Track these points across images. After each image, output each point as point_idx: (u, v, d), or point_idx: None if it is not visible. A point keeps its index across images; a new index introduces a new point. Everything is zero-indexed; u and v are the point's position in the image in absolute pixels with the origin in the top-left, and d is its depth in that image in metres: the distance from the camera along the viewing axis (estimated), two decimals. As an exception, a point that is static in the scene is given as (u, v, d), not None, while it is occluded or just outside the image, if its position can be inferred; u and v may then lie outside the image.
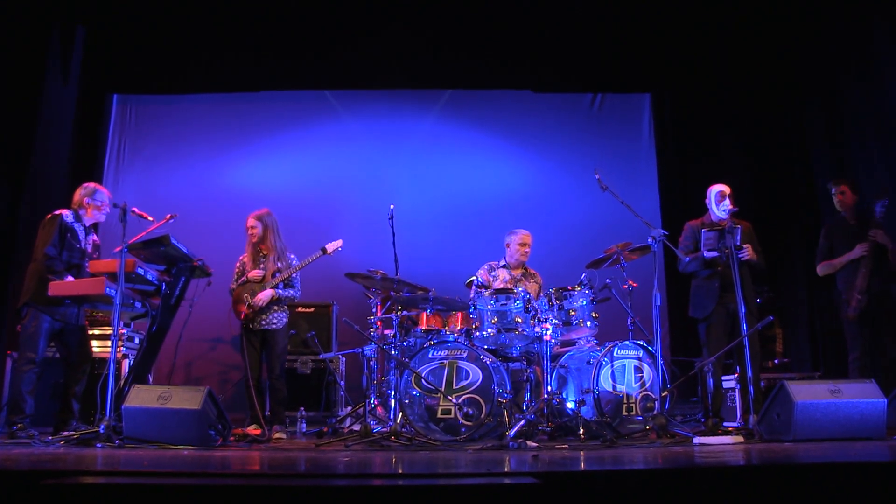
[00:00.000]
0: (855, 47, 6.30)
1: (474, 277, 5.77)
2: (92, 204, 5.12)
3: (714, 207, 5.27)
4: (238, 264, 5.68)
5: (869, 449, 3.39)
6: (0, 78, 6.43)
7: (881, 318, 5.18)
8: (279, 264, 5.57)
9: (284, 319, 5.60)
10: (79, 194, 5.16)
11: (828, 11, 6.56)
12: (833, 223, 5.56)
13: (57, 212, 5.02)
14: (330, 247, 5.76)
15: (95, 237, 5.30)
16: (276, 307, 5.52)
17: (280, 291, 5.51)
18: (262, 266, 5.57)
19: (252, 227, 5.63)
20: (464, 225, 7.63)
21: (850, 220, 5.41)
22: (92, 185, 5.25)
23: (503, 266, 5.82)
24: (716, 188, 5.30)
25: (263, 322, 5.47)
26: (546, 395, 4.73)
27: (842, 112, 6.59)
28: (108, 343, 5.34)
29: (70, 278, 4.86)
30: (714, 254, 5.01)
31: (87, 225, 5.18)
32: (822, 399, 3.99)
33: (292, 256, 5.69)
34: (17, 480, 2.47)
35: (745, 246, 4.95)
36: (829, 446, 3.63)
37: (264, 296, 5.44)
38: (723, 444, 4.10)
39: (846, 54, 6.44)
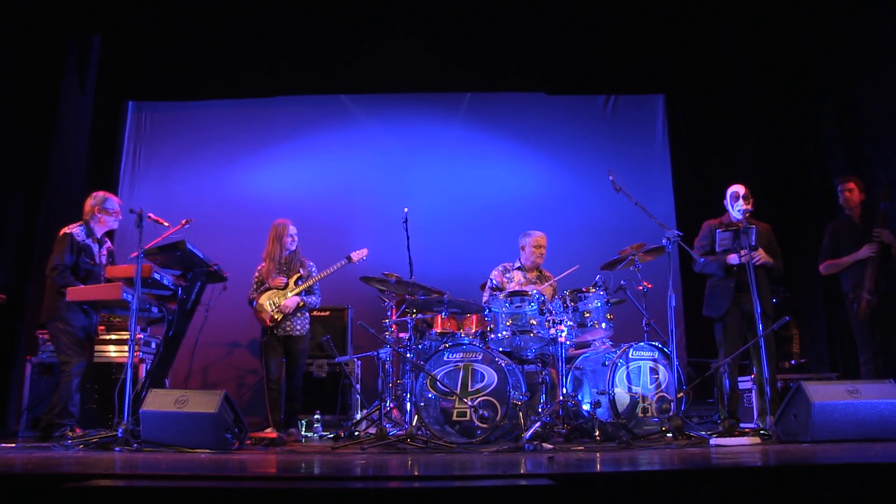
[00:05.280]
0: (867, 44, 6.25)
1: (488, 280, 5.77)
2: (104, 211, 5.16)
3: (730, 208, 5.26)
4: (256, 274, 5.74)
5: (889, 450, 3.34)
6: (18, 87, 6.50)
7: (891, 319, 5.13)
8: (301, 271, 5.64)
9: (307, 326, 5.67)
10: (89, 204, 5.18)
11: (839, 9, 6.51)
12: (838, 222, 5.52)
13: (67, 230, 5.01)
14: (355, 255, 5.83)
15: (110, 244, 5.35)
16: (299, 313, 5.58)
17: (305, 298, 5.57)
18: (283, 274, 5.63)
19: (295, 235, 5.72)
20: (478, 227, 7.61)
21: (856, 218, 5.37)
22: (101, 193, 5.27)
23: (518, 268, 5.80)
24: (732, 189, 5.28)
25: (288, 328, 5.53)
26: (561, 397, 4.71)
27: (856, 110, 6.53)
28: (126, 348, 5.38)
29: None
30: (736, 259, 4.96)
31: (100, 235, 5.20)
32: (840, 400, 3.94)
33: (311, 264, 5.77)
34: (38, 483, 2.50)
35: (756, 250, 4.90)
36: (848, 447, 3.59)
37: (291, 303, 5.50)
38: (740, 445, 4.07)
39: (859, 52, 6.39)
